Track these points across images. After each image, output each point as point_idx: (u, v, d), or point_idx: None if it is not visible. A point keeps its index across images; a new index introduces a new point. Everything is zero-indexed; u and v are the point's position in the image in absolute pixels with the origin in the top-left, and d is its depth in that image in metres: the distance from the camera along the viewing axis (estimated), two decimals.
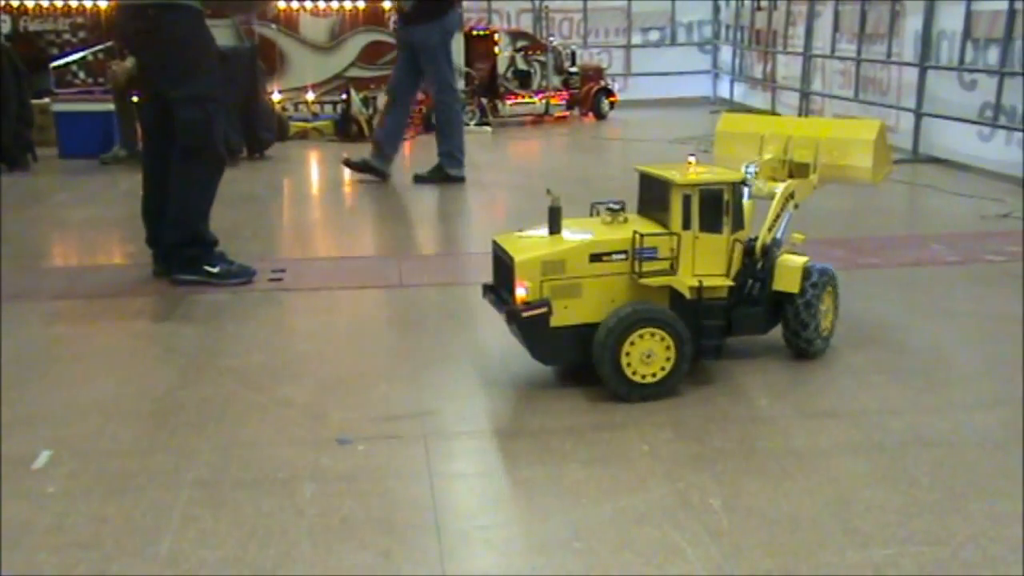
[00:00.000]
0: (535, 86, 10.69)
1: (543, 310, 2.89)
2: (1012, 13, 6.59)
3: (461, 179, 7.04)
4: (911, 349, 3.42)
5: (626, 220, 3.09)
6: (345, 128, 9.55)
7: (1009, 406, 2.91)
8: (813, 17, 9.77)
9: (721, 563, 2.07)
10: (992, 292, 4.11)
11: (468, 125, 9.95)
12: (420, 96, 10.10)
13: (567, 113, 10.85)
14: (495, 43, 10.48)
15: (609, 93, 11.07)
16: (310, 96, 10.09)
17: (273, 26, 9.89)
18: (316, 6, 10.12)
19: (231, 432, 2.75)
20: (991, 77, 6.87)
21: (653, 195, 3.11)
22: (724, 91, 12.67)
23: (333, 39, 10.16)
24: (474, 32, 10.72)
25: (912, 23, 7.95)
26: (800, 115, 9.67)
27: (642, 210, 3.17)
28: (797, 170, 3.53)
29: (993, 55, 6.87)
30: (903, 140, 8.02)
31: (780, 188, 3.36)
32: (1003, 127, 6.80)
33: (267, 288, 4.27)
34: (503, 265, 3.03)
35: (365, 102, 9.74)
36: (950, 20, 7.43)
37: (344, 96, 9.70)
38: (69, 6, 9.44)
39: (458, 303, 4.10)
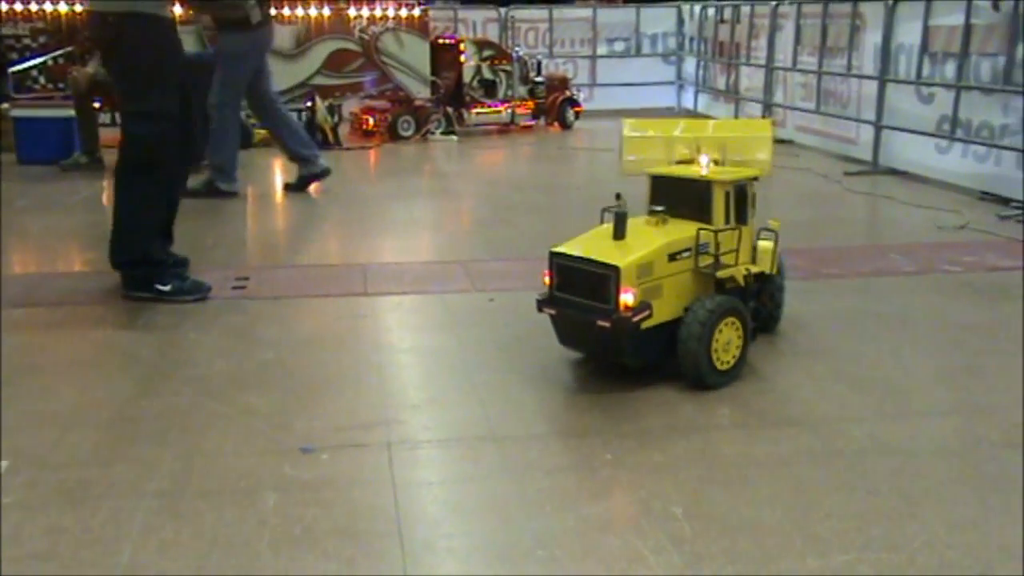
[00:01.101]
0: (501, 95, 10.71)
1: (647, 313, 2.98)
2: (968, 28, 6.72)
3: (234, 194, 6.71)
4: (870, 358, 3.47)
5: (666, 221, 3.20)
6: (310, 135, 9.48)
7: (965, 414, 2.97)
8: (775, 30, 9.89)
9: (683, 570, 2.08)
10: (949, 302, 4.18)
11: (434, 134, 9.94)
12: (386, 104, 10.16)
13: (533, 123, 10.88)
14: (461, 52, 10.48)
15: (574, 103, 11.10)
16: None
17: None
18: (281, 13, 10.07)
19: (193, 441, 2.73)
20: (948, 91, 7.00)
21: (677, 196, 3.24)
22: (688, 102, 12.78)
23: (298, 46, 10.11)
24: (440, 41, 10.71)
25: (871, 37, 8.08)
26: None
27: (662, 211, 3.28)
28: None
29: (950, 69, 7.00)
30: (863, 152, 8.14)
31: None
32: (960, 140, 6.93)
33: (231, 296, 4.24)
34: (586, 275, 3.04)
35: (331, 110, 9.70)
36: (908, 35, 7.56)
37: (309, 103, 9.64)
38: (29, 10, 9.30)
39: (423, 311, 4.10)
